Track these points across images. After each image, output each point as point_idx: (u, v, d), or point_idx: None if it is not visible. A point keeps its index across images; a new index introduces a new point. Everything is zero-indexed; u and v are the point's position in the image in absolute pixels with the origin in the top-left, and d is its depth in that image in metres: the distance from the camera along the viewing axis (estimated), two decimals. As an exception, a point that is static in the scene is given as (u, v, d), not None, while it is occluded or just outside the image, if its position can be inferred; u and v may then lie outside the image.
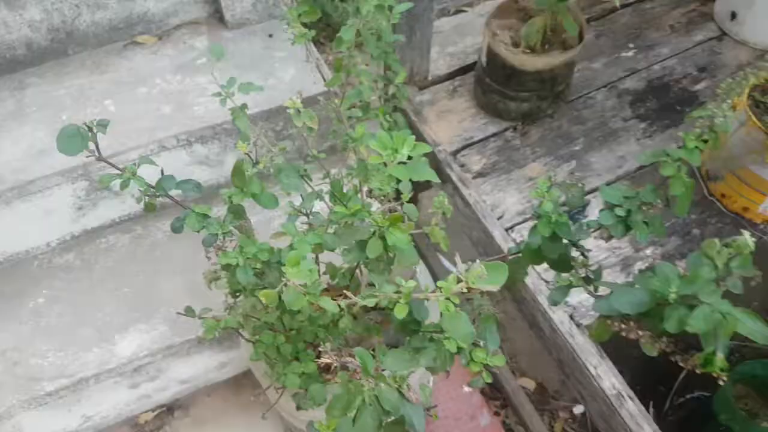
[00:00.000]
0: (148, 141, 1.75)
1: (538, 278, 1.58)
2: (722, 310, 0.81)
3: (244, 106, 1.24)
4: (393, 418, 0.85)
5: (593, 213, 1.71)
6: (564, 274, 1.02)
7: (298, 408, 1.18)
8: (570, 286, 1.01)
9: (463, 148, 1.83)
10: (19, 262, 1.83)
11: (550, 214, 0.97)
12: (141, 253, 1.85)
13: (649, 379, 2.02)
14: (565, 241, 1.03)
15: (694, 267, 0.84)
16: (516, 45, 1.80)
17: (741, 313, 0.80)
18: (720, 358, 0.80)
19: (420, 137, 1.87)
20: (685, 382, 2.11)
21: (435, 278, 2.22)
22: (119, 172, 0.94)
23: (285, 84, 1.86)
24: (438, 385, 1.95)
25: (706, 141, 0.99)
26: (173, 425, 1.88)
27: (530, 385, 2.19)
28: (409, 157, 1.04)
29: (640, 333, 0.89)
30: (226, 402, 1.92)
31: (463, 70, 1.99)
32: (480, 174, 1.78)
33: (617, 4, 1.51)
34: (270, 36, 1.97)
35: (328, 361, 0.86)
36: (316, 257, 1.25)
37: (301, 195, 1.21)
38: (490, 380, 1.04)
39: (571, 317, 1.54)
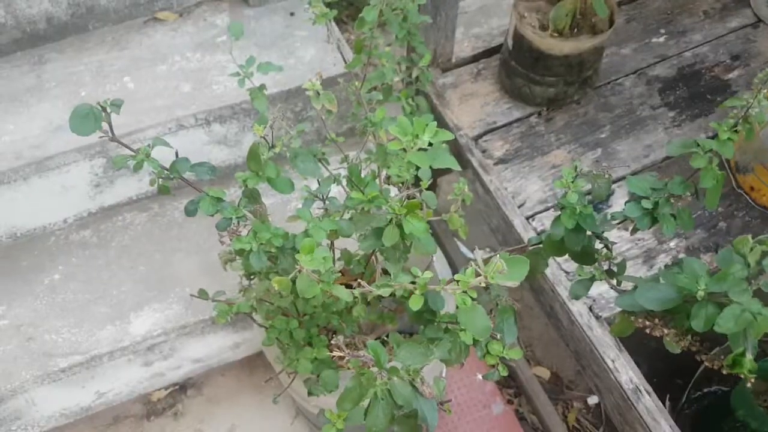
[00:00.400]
0: (166, 119, 1.73)
1: (558, 269, 1.55)
2: (753, 309, 0.78)
3: (262, 87, 1.22)
4: (405, 411, 0.83)
5: (618, 203, 1.67)
6: (587, 267, 0.99)
7: (310, 394, 1.17)
8: (592, 279, 0.98)
9: (486, 133, 1.79)
10: (36, 237, 1.83)
11: (574, 206, 0.94)
12: (158, 231, 1.84)
13: (667, 371, 1.99)
14: (588, 232, 1.00)
15: (725, 264, 0.80)
16: (544, 28, 1.75)
17: None
18: (749, 359, 0.77)
19: (441, 121, 1.83)
20: (703, 375, 2.07)
21: (452, 265, 2.20)
22: (133, 153, 0.92)
23: (305, 64, 1.83)
24: (450, 372, 1.94)
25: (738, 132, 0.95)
26: (186, 404, 1.88)
27: (545, 374, 2.16)
28: (430, 144, 1.01)
29: (665, 331, 0.86)
30: (240, 382, 1.92)
31: (489, 53, 1.94)
32: (502, 160, 1.74)
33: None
34: (292, 14, 1.94)
35: (341, 354, 0.84)
36: (331, 243, 1.24)
37: (318, 180, 1.19)
38: (506, 373, 1.01)
39: (590, 309, 1.51)
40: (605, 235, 1.02)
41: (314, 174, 1.07)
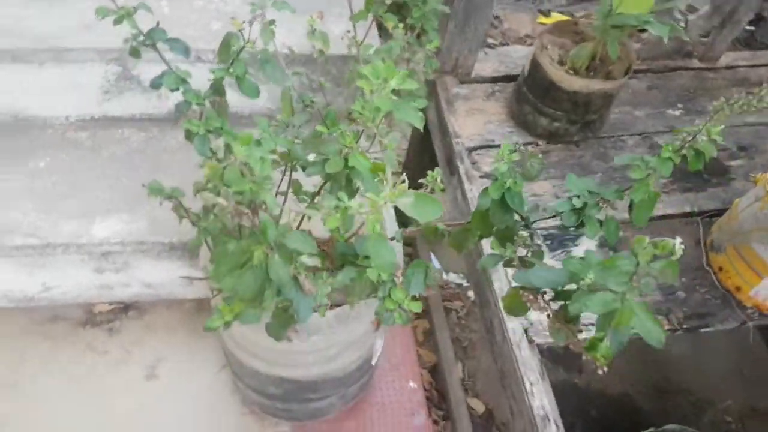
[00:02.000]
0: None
1: (508, 284, 1.55)
2: (623, 299, 0.79)
3: (272, 22, 1.28)
4: (281, 302, 0.85)
5: (588, 244, 1.68)
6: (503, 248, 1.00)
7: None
8: (505, 260, 1.00)
9: (481, 147, 1.82)
10: (36, 125, 1.90)
11: (504, 178, 0.96)
12: (150, 152, 1.89)
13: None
14: (517, 218, 1.02)
15: (616, 258, 0.82)
16: (562, 63, 1.79)
17: (641, 309, 0.78)
18: (605, 345, 0.78)
19: (443, 125, 1.88)
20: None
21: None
22: (116, 8, 0.98)
23: (334, 36, 1.89)
24: (385, 370, 1.93)
25: (684, 157, 0.97)
26: (124, 323, 1.91)
27: (479, 407, 2.14)
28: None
29: (548, 311, 0.88)
30: (182, 321, 1.94)
31: (508, 79, 1.98)
32: (488, 175, 1.77)
33: (663, 37, 1.49)
34: (335, -8, 2.01)
35: (222, 202, 0.87)
36: (290, 172, 1.26)
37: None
38: (401, 321, 1.03)
39: (526, 331, 1.51)
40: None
41: (280, 81, 1.12)
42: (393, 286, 1.01)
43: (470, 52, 1.89)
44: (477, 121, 1.87)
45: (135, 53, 1.03)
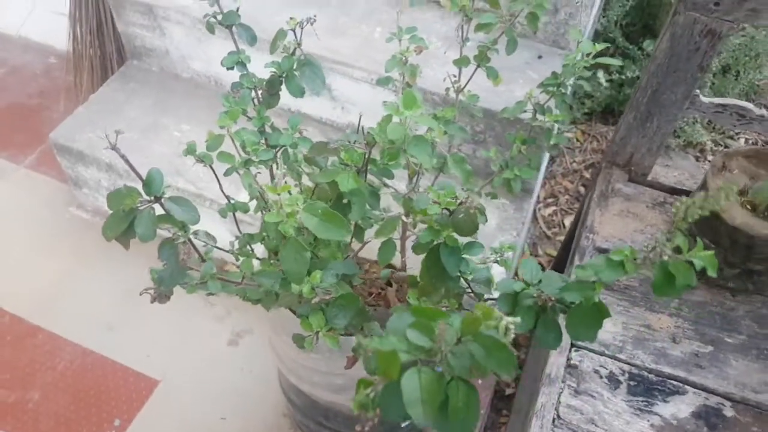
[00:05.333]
0: (372, 69, 1.94)
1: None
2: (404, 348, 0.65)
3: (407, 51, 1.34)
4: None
5: (682, 407, 1.36)
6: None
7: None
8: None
9: (614, 254, 1.59)
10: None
11: (438, 225, 0.84)
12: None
13: None
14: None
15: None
16: (743, 194, 1.49)
17: (431, 377, 0.62)
18: (365, 394, 0.65)
19: (584, 216, 1.69)
20: None
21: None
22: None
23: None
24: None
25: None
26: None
27: None
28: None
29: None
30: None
31: (687, 194, 1.71)
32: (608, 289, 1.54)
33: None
34: (539, 57, 1.97)
35: None
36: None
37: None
38: (311, 348, 0.97)
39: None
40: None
41: (316, 88, 1.14)
42: (317, 309, 0.97)
43: (648, 152, 1.67)
44: (626, 226, 1.64)
45: (210, 29, 1.16)
